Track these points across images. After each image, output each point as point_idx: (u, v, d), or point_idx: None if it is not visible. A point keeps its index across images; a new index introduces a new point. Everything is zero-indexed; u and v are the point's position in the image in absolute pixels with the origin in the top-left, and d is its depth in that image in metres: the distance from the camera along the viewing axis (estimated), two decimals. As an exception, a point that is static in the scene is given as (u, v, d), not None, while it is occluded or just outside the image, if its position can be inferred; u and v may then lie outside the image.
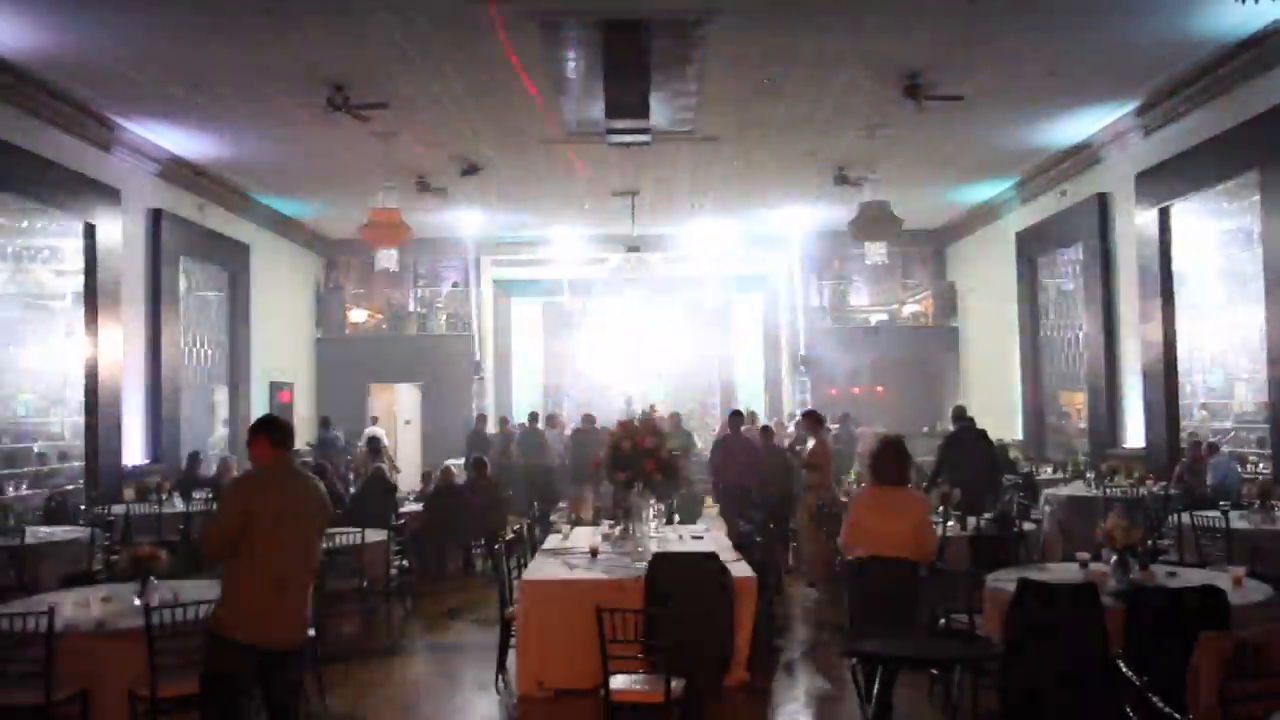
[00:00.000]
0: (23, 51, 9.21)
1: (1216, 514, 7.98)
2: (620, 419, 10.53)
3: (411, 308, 20.31)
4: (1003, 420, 15.33)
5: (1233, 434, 11.46)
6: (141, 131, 11.81)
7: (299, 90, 10.05)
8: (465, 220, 16.75)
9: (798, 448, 11.45)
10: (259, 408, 15.23)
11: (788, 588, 9.90)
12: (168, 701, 4.97)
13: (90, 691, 5.06)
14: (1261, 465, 10.40)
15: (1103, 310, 13.06)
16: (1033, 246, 15.45)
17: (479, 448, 14.44)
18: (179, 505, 10.52)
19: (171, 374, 13.14)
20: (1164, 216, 11.59)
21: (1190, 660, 4.14)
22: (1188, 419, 11.70)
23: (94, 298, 11.37)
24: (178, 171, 13.14)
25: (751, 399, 21.29)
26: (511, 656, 6.95)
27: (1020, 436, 15.57)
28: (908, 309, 20.83)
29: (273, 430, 4.78)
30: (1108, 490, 10.30)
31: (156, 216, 12.85)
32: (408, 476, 16.46)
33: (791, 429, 15.04)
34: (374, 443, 14.54)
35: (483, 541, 11.31)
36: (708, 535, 8.72)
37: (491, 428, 16.92)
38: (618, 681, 5.22)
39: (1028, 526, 8.54)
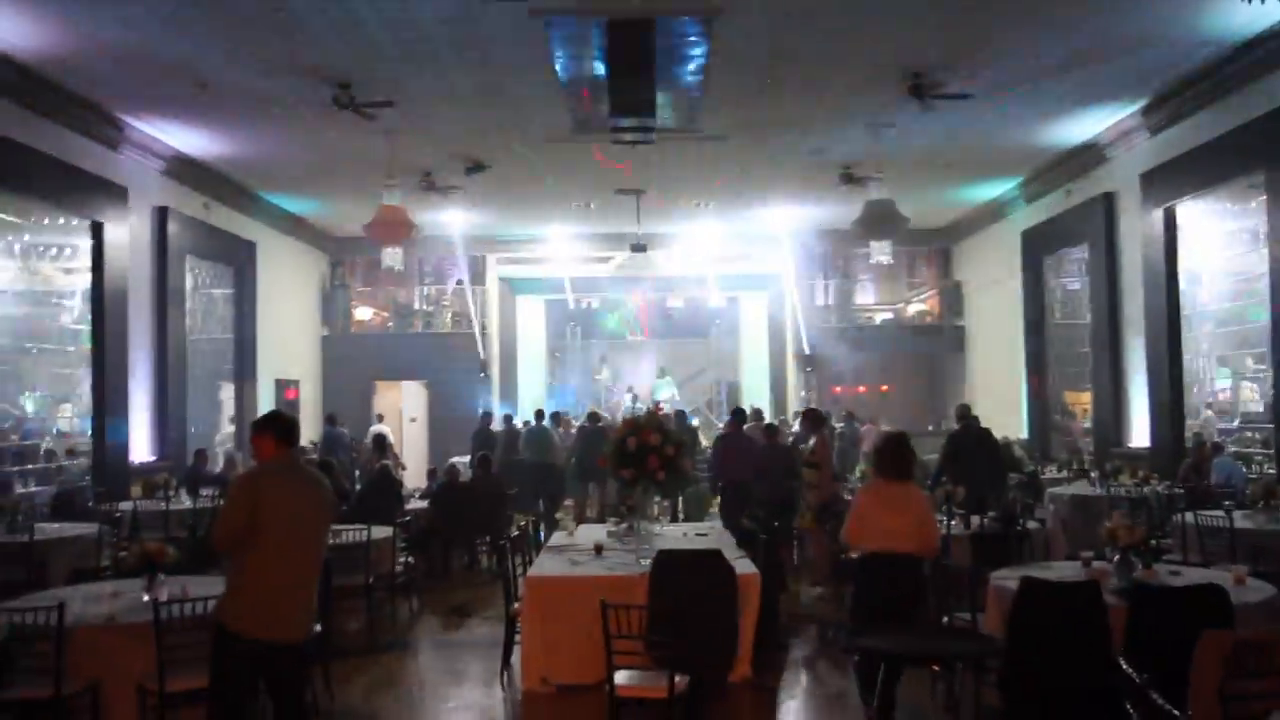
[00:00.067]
0: (30, 51, 9.27)
1: (1220, 513, 7.99)
2: (625, 416, 10.58)
3: (417, 305, 20.36)
4: (1007, 419, 15.33)
5: (1239, 434, 11.46)
6: (148, 130, 11.87)
7: (305, 89, 10.09)
8: (471, 218, 16.79)
9: (801, 446, 11.47)
10: (265, 405, 15.29)
11: (792, 585, 9.92)
12: (176, 696, 5.00)
13: (100, 685, 5.11)
14: (1267, 465, 10.41)
15: (1108, 309, 13.06)
16: (1038, 246, 15.45)
17: (484, 445, 14.47)
18: (186, 502, 10.57)
19: (178, 371, 13.19)
20: (1169, 216, 11.59)
21: (1191, 658, 4.16)
22: (1194, 419, 11.70)
23: (101, 295, 11.44)
24: (184, 170, 13.19)
25: (757, 397, 21.32)
26: (516, 652, 6.98)
27: (1025, 435, 15.57)
28: (913, 308, 20.84)
29: (278, 427, 4.80)
30: (1111, 489, 10.30)
31: (163, 214, 12.91)
32: (413, 474, 16.51)
33: (797, 427, 15.06)
34: (380, 440, 14.59)
35: (488, 538, 11.34)
36: (712, 533, 8.74)
37: (497, 425, 16.94)
38: (622, 677, 5.25)
39: (1031, 525, 8.55)
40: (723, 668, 6.38)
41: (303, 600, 4.74)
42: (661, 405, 18.95)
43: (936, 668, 6.21)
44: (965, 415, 11.35)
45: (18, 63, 9.46)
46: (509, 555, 7.40)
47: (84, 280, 11.57)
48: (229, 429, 15.28)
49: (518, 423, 16.99)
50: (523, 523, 8.85)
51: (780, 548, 9.79)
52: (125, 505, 10.15)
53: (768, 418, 17.29)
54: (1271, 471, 9.86)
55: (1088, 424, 14.35)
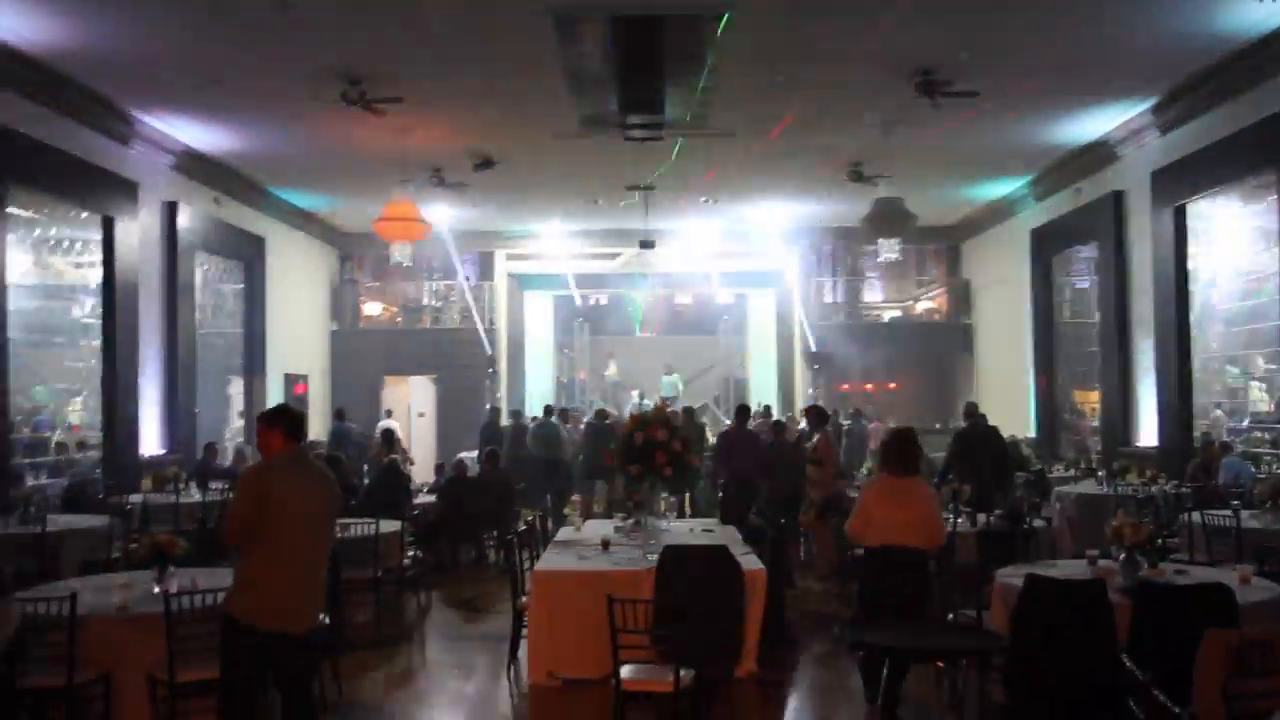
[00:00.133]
0: (42, 46, 9.31)
1: (1227, 513, 7.98)
2: (633, 413, 10.59)
3: (425, 301, 20.41)
4: (1015, 417, 15.32)
5: (1248, 434, 11.43)
6: (159, 125, 11.92)
7: (314, 84, 10.11)
8: (479, 214, 16.83)
9: (806, 444, 11.49)
10: (275, 399, 15.34)
11: (799, 582, 9.94)
12: (186, 686, 5.04)
13: (112, 675, 5.17)
14: (1275, 465, 10.39)
15: (1117, 308, 13.03)
16: (1047, 244, 15.43)
17: (492, 440, 14.51)
18: (195, 495, 10.62)
19: (188, 365, 13.26)
20: (1180, 215, 11.55)
21: (1196, 657, 4.17)
22: (1203, 418, 11.67)
23: (112, 289, 11.51)
24: (194, 165, 13.25)
25: (765, 394, 21.34)
26: (523, 646, 7.02)
27: (1033, 434, 15.56)
28: (921, 305, 20.82)
29: (287, 421, 4.84)
30: (1119, 488, 10.29)
31: (173, 209, 12.97)
32: (421, 469, 16.57)
33: (803, 424, 15.07)
34: (388, 435, 14.61)
35: (495, 533, 11.39)
36: (719, 529, 8.76)
37: (505, 420, 16.99)
38: (627, 671, 5.28)
39: (1038, 523, 8.56)
40: (728, 663, 6.40)
41: (310, 593, 4.79)
42: (668, 402, 18.96)
43: (941, 664, 6.24)
44: (973, 413, 11.35)
45: (30, 58, 9.50)
46: (516, 550, 7.44)
47: (95, 274, 11.64)
48: (238, 423, 15.36)
49: (525, 419, 17.04)
50: (530, 518, 8.89)
51: (787, 544, 9.82)
52: (135, 498, 10.21)
53: (776, 415, 17.34)
54: (1280, 471, 9.85)
55: (1096, 423, 14.33)
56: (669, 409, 13.50)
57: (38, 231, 11.45)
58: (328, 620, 5.95)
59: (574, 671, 6.57)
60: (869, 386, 20.27)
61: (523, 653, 7.02)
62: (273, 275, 16.09)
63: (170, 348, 12.88)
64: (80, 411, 11.99)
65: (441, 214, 15.38)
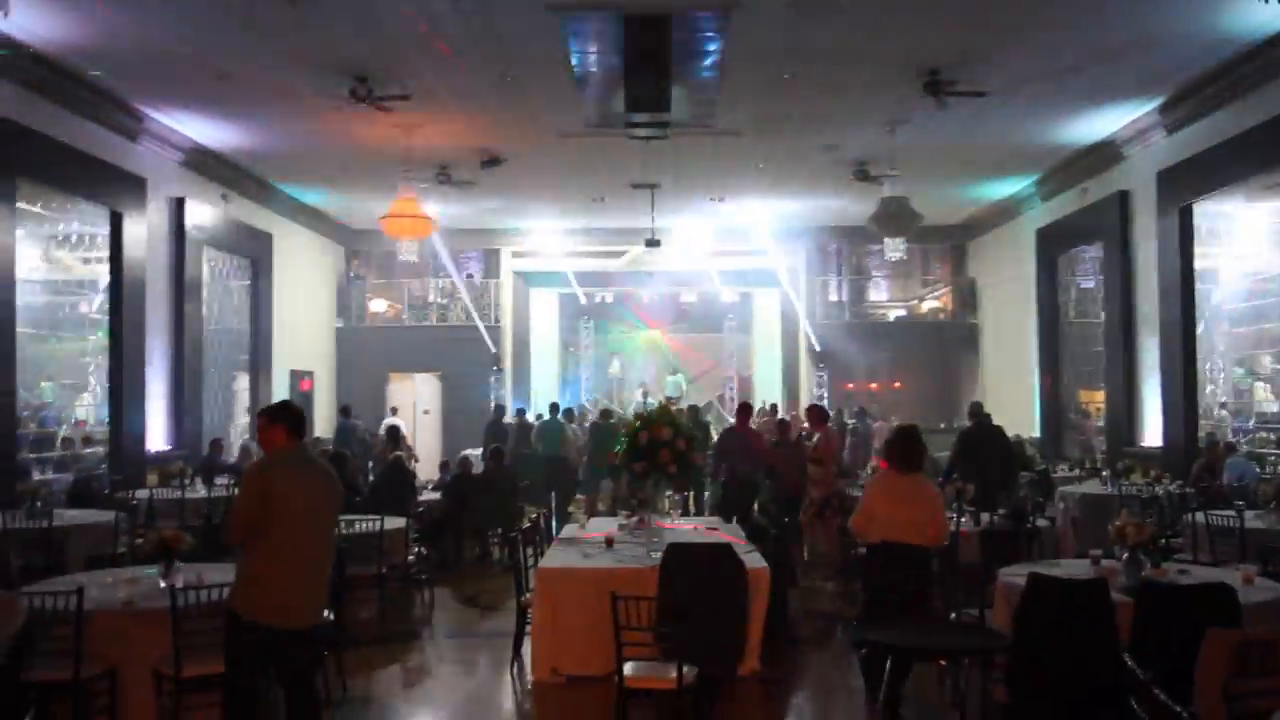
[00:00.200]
0: (52, 42, 9.36)
1: (1231, 513, 7.98)
2: (637, 411, 10.61)
3: (431, 298, 20.45)
4: (1020, 417, 15.32)
5: (1253, 434, 11.42)
6: (167, 121, 11.96)
7: (323, 82, 10.15)
8: (486, 212, 16.85)
9: (807, 443, 11.50)
10: (280, 395, 15.37)
11: (802, 580, 9.95)
12: (191, 681, 5.07)
13: (118, 670, 5.19)
14: (1280, 466, 10.39)
15: (1122, 308, 13.02)
16: (1053, 244, 15.42)
17: (497, 438, 14.53)
18: (201, 491, 10.65)
19: (194, 361, 13.30)
20: (1186, 215, 11.54)
21: (1197, 656, 4.18)
22: (1209, 418, 11.66)
23: (119, 285, 11.55)
24: (202, 161, 13.29)
25: (770, 393, 21.35)
26: (527, 643, 7.04)
27: (1038, 433, 15.55)
28: (927, 305, 20.82)
29: (290, 417, 4.87)
30: (1123, 488, 10.29)
31: (181, 205, 13.01)
32: (426, 466, 16.59)
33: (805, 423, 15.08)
34: (393, 432, 14.65)
35: (500, 530, 11.41)
36: (723, 527, 8.77)
37: (509, 418, 17.02)
38: (631, 668, 5.29)
39: (1041, 523, 8.55)
40: (731, 661, 6.42)
41: (313, 588, 4.81)
42: (673, 401, 18.98)
43: (943, 663, 6.24)
44: (978, 413, 11.34)
45: (39, 54, 9.55)
46: (520, 547, 7.45)
47: (103, 270, 11.68)
48: (244, 419, 15.39)
49: (530, 416, 17.07)
50: (534, 515, 8.91)
51: (790, 543, 9.82)
52: (141, 493, 10.25)
53: (782, 413, 17.34)
54: (1284, 472, 9.83)
55: (1101, 423, 14.32)
56: (674, 408, 13.53)
57: (45, 227, 11.50)
58: (332, 616, 5.99)
59: (577, 668, 6.58)
60: (874, 385, 20.26)
61: (526, 649, 7.04)
62: (279, 271, 16.14)
63: (177, 343, 12.93)
64: (87, 407, 12.03)
65: (447, 212, 15.42)
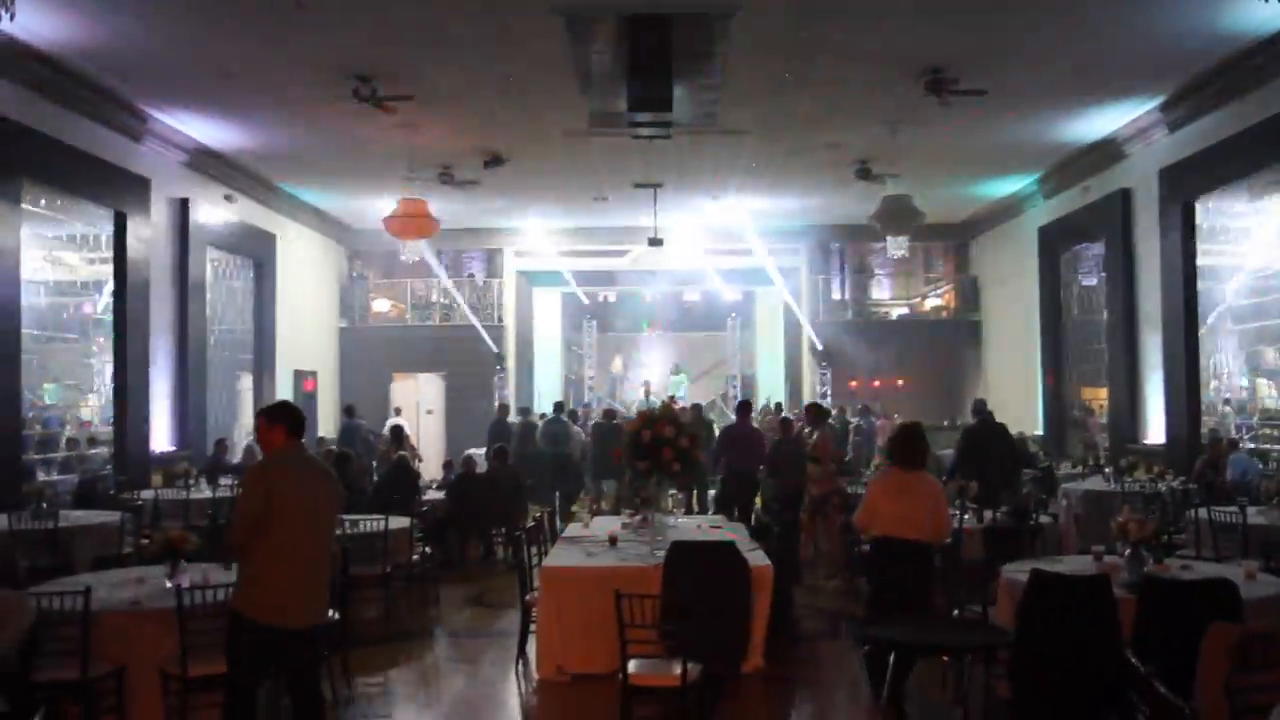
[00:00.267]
0: (56, 44, 9.38)
1: (1234, 509, 7.99)
2: (640, 409, 10.63)
3: (434, 298, 20.49)
4: (1023, 414, 15.33)
5: (1257, 430, 11.42)
6: (171, 122, 11.99)
7: (326, 82, 10.18)
8: (488, 212, 16.87)
9: (809, 440, 11.51)
10: (284, 396, 15.41)
11: (806, 578, 9.97)
12: (198, 680, 5.10)
13: (125, 669, 5.23)
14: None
15: (1125, 305, 13.03)
16: (1056, 241, 15.42)
17: (500, 437, 14.56)
18: (206, 491, 10.69)
19: (198, 362, 13.34)
20: (1188, 212, 11.54)
21: (1199, 651, 4.19)
22: (1211, 415, 11.67)
23: (123, 285, 11.59)
24: (206, 162, 13.32)
25: (773, 391, 21.36)
26: (531, 642, 7.06)
27: (1041, 431, 15.56)
28: (929, 302, 20.84)
29: (290, 418, 4.90)
30: (1126, 485, 10.30)
31: (184, 206, 13.05)
32: (430, 465, 16.63)
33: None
34: (397, 431, 14.68)
35: (504, 529, 11.44)
36: (726, 525, 8.79)
37: (513, 417, 17.05)
38: (635, 666, 5.32)
39: (1044, 520, 8.58)
40: (735, 658, 6.45)
41: (314, 588, 4.84)
42: (677, 400, 19.00)
43: (946, 659, 6.26)
44: (981, 410, 11.35)
45: (42, 54, 9.57)
46: (524, 546, 7.47)
47: (107, 271, 11.71)
48: (248, 420, 15.40)
49: (533, 416, 17.09)
50: (538, 514, 8.93)
51: (793, 540, 9.84)
52: (146, 494, 10.28)
53: (785, 412, 17.35)
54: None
55: (1104, 420, 14.33)
56: (677, 406, 13.57)
57: (50, 228, 11.53)
58: (337, 616, 6.01)
59: (582, 666, 6.61)
60: (877, 383, 20.27)
61: (531, 648, 7.07)
62: (283, 272, 16.18)
63: (181, 344, 12.96)
64: (92, 407, 12.07)
65: (449, 211, 15.43)
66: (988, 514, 8.56)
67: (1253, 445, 10.94)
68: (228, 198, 14.21)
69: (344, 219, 18.50)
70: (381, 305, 20.52)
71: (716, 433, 16.60)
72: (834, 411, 16.32)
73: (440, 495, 11.79)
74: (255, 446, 13.31)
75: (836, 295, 20.28)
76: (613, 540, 7.55)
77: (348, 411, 16.60)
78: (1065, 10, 8.84)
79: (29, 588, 5.54)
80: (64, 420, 11.74)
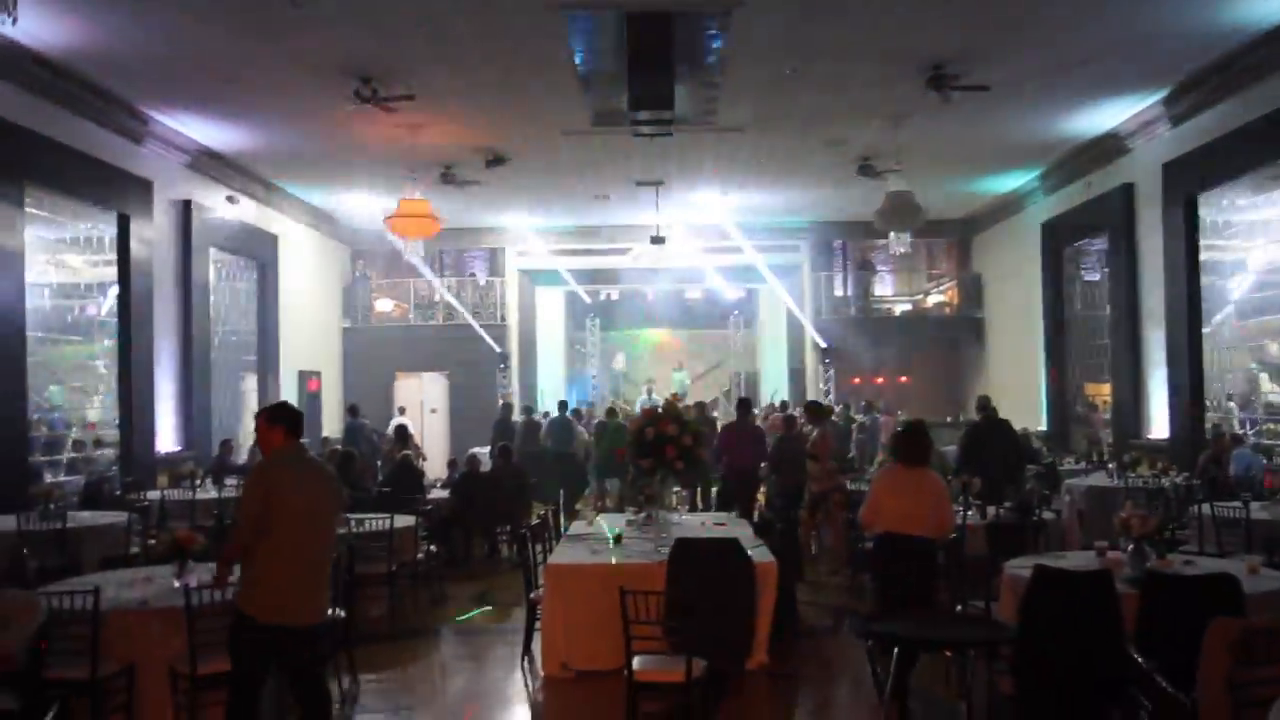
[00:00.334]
0: (58, 47, 9.42)
1: (1237, 504, 8.00)
2: (644, 407, 10.65)
3: (437, 298, 20.52)
4: (1027, 410, 15.32)
5: (1261, 425, 11.41)
6: (172, 124, 12.02)
7: (327, 83, 10.20)
8: (490, 211, 16.89)
9: (810, 437, 11.54)
10: (288, 396, 15.44)
11: (809, 574, 9.99)
12: (206, 678, 5.13)
13: (134, 668, 5.26)
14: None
15: (1128, 301, 13.02)
16: (1058, 237, 15.42)
17: (504, 436, 14.59)
18: (211, 491, 10.73)
19: (202, 363, 13.38)
20: (1191, 207, 11.54)
21: (1201, 645, 4.21)
22: (1215, 410, 11.67)
23: (127, 287, 11.63)
24: (208, 163, 13.36)
25: (777, 388, 21.37)
26: (536, 639, 7.09)
27: (1044, 427, 15.56)
28: (932, 299, 20.83)
29: (289, 418, 4.94)
30: (1129, 480, 10.31)
31: (187, 207, 13.08)
32: (434, 464, 16.66)
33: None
34: (401, 431, 14.71)
35: (508, 527, 11.46)
36: (730, 522, 8.81)
37: (517, 416, 17.08)
38: (640, 662, 5.34)
39: (1047, 515, 8.59)
40: (740, 654, 6.47)
41: (312, 588, 4.86)
42: (680, 397, 19.02)
43: (949, 654, 6.28)
44: (986, 406, 11.36)
45: (44, 58, 9.60)
46: (529, 544, 7.50)
47: (110, 273, 11.74)
48: (253, 420, 15.43)
49: (537, 415, 17.13)
50: (542, 512, 8.95)
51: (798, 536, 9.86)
52: (152, 494, 10.32)
53: (789, 409, 17.36)
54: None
55: (1107, 415, 14.33)
56: (680, 404, 13.57)
57: (53, 230, 11.55)
58: (343, 614, 6.04)
59: (587, 663, 6.64)
60: (880, 380, 20.28)
61: (536, 645, 7.09)
62: (286, 272, 16.22)
63: (185, 345, 13.00)
64: (97, 409, 12.10)
65: (451, 210, 15.45)
66: (991, 510, 8.58)
67: (1256, 440, 10.93)
68: (230, 199, 14.25)
69: (346, 219, 18.53)
70: (385, 305, 20.55)
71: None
72: (837, 408, 16.36)
73: (445, 494, 11.82)
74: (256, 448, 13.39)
75: (839, 292, 20.28)
76: (617, 538, 7.57)
77: (352, 411, 16.63)
78: (1067, 5, 8.85)
79: (38, 588, 5.57)
80: (70, 422, 11.77)
